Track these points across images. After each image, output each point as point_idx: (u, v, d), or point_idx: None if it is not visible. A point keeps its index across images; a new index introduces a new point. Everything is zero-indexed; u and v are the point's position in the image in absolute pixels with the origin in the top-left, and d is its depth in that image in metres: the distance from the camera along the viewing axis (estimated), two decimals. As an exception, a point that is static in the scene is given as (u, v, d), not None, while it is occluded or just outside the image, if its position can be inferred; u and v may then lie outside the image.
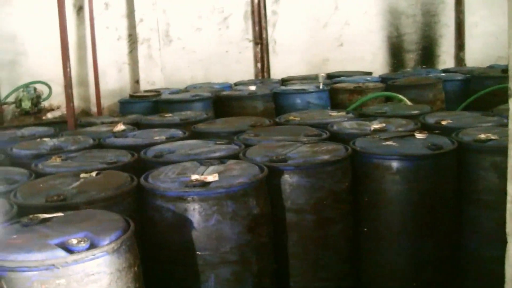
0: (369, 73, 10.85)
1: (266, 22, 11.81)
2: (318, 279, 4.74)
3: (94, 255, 3.02)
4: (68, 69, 9.08)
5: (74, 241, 3.06)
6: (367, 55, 11.89)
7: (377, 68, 11.58)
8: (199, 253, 4.08)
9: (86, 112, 11.20)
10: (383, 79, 9.92)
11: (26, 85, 10.48)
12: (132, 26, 11.46)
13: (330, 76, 10.46)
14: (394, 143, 5.06)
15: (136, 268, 3.28)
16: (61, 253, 3.00)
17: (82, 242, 3.05)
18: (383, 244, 4.97)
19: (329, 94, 8.68)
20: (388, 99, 8.32)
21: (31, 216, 3.52)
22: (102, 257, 3.05)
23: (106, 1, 11.42)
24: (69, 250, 3.02)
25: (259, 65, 11.84)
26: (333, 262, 4.79)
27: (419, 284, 4.92)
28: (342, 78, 10.09)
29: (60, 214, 3.56)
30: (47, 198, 4.07)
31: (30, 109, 10.34)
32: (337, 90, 8.84)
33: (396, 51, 12.14)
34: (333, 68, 11.44)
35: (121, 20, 11.51)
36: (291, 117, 6.74)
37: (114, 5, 11.46)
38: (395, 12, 11.97)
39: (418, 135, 5.20)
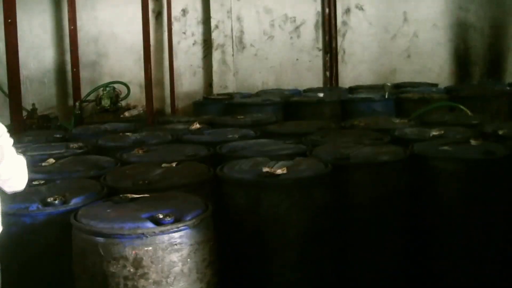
0: (435, 85, 11.02)
1: (336, 32, 12.11)
2: (376, 268, 5.10)
3: (178, 227, 3.54)
4: (149, 71, 9.63)
5: (161, 215, 3.58)
6: (434, 67, 12.04)
7: (444, 80, 11.72)
8: (267, 237, 4.52)
9: (161, 112, 11.73)
10: (448, 90, 10.13)
11: (106, 85, 10.93)
12: (207, 32, 11.99)
13: (396, 86, 10.70)
14: (449, 148, 5.39)
15: (212, 243, 3.77)
16: (150, 224, 3.53)
17: (168, 217, 3.58)
18: (440, 241, 5.30)
19: (395, 104, 9.00)
20: (451, 110, 8.51)
21: (121, 195, 4.03)
22: (184, 230, 3.57)
23: (184, 7, 12.01)
24: (157, 222, 3.54)
25: (328, 73, 12.15)
26: (390, 253, 5.15)
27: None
28: (408, 88, 10.35)
29: (147, 195, 4.05)
30: (134, 182, 4.57)
31: (109, 107, 10.79)
32: (403, 100, 9.13)
33: (463, 63, 12.24)
34: (400, 79, 11.64)
35: (197, 26, 12.08)
36: (356, 122, 7.11)
37: (191, 12, 12.06)
38: (463, 25, 12.07)
39: (473, 142, 5.50)
